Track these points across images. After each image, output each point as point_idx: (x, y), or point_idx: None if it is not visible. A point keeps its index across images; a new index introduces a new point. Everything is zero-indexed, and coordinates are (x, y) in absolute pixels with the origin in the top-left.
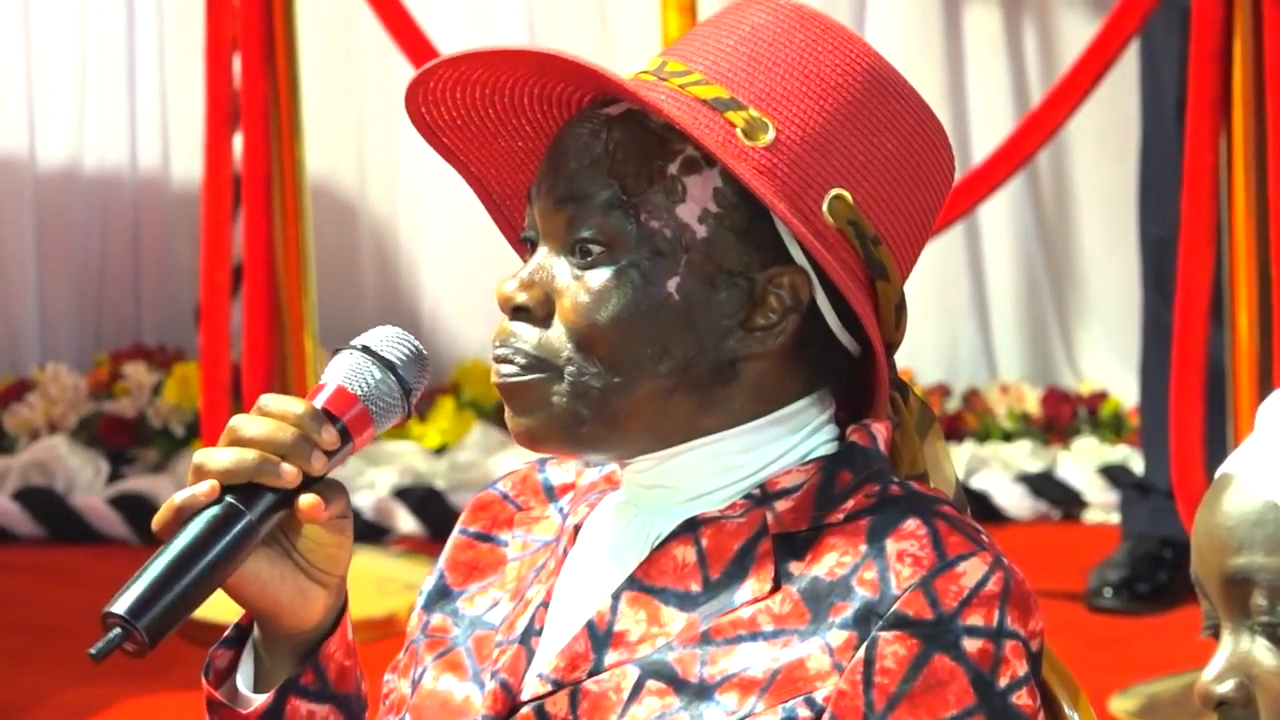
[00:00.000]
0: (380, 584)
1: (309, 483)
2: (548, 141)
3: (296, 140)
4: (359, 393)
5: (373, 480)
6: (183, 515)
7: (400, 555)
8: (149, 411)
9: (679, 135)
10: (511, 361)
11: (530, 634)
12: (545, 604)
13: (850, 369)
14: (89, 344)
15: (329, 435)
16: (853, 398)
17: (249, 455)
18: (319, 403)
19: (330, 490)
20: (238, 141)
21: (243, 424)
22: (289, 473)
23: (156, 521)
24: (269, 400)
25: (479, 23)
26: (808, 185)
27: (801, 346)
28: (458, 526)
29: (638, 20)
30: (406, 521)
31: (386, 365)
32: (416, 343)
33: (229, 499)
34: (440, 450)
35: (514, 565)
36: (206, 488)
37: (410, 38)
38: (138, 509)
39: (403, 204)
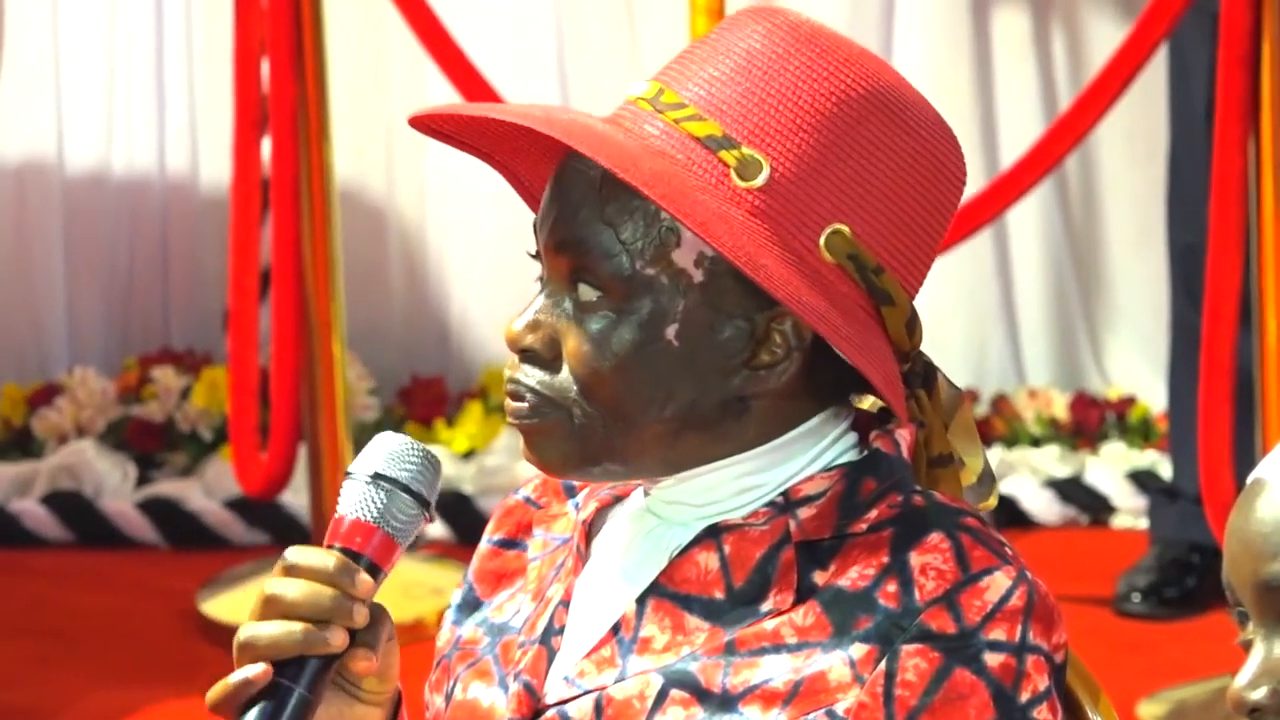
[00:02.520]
0: (407, 589)
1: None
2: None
3: (324, 144)
4: (376, 522)
5: None
6: (237, 699)
7: (428, 560)
8: (177, 415)
9: None
10: (522, 399)
11: (550, 633)
12: (564, 602)
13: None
14: (117, 348)
15: (364, 585)
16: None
17: (295, 630)
18: (340, 542)
19: (376, 625)
20: (266, 145)
21: (280, 591)
22: (337, 638)
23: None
24: (298, 557)
25: (508, 27)
26: (803, 224)
27: (810, 373)
28: (484, 536)
29: (666, 27)
30: (435, 526)
31: (396, 484)
32: (422, 449)
33: (282, 680)
34: (468, 455)
35: (535, 565)
36: (259, 670)
37: (439, 42)
38: (166, 513)
39: (431, 208)
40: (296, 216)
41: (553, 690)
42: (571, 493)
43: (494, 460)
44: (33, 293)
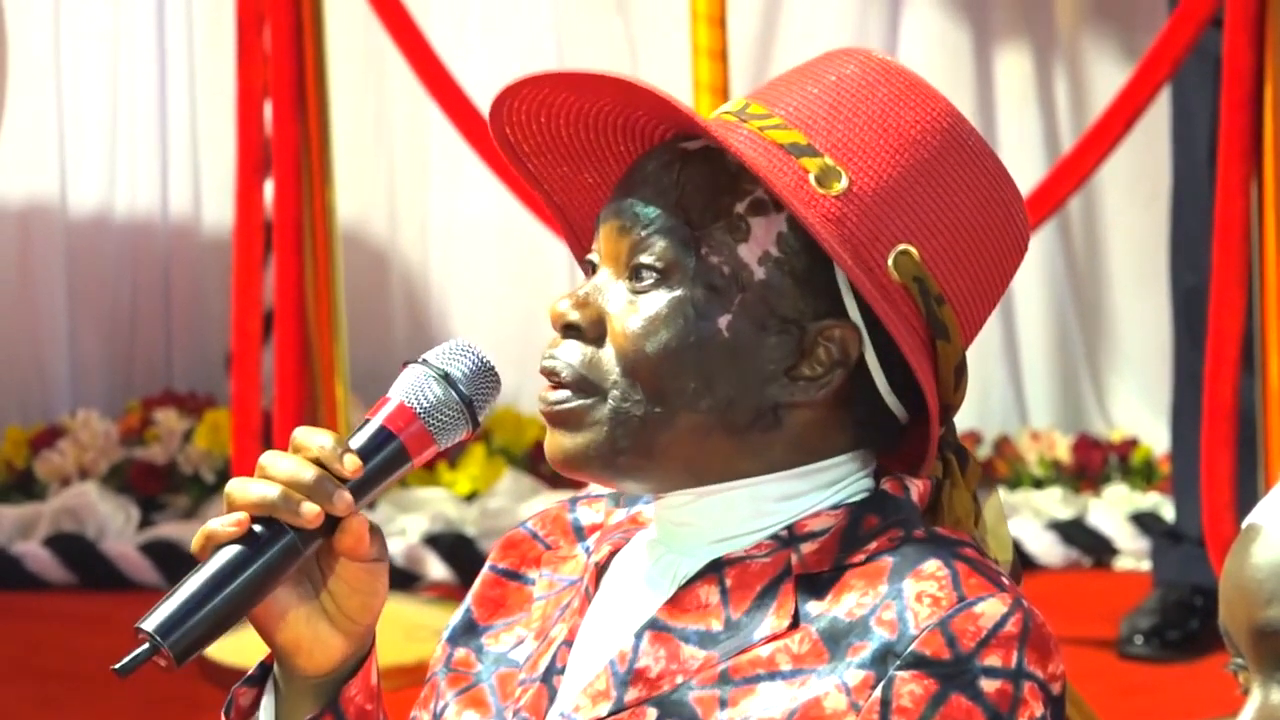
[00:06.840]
0: (410, 631)
1: (335, 521)
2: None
3: (327, 186)
4: (417, 409)
5: (404, 527)
6: (212, 543)
7: (430, 602)
8: (180, 458)
9: (751, 177)
10: (557, 374)
11: (552, 672)
12: (568, 642)
13: (900, 434)
14: (120, 390)
15: (351, 464)
16: (905, 462)
17: (272, 492)
18: (380, 419)
19: (371, 531)
20: (269, 188)
21: (270, 461)
22: (308, 513)
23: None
24: (299, 434)
25: (511, 69)
26: (875, 238)
27: (847, 404)
28: (488, 563)
29: (669, 70)
30: (437, 568)
31: (448, 380)
32: (483, 355)
33: (257, 534)
34: (471, 497)
35: (539, 604)
36: (234, 519)
37: (441, 84)
38: (168, 555)
39: (434, 250)
40: (299, 259)
41: None
42: (580, 535)
43: (497, 502)
44: (36, 335)
